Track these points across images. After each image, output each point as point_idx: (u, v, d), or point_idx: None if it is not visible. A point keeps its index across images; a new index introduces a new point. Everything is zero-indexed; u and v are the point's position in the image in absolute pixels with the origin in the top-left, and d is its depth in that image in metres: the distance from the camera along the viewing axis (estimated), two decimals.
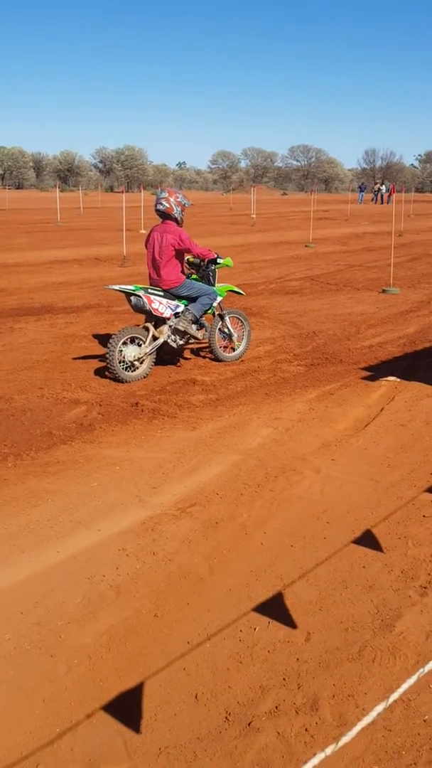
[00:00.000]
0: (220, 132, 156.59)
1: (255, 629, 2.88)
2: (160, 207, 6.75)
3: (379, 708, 2.35)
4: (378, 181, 67.49)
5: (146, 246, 6.86)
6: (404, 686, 2.50)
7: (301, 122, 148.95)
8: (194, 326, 6.88)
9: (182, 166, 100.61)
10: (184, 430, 5.21)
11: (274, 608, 2.99)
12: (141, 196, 26.90)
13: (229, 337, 7.29)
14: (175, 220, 6.78)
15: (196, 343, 7.26)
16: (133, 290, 6.56)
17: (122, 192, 18.42)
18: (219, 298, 7.12)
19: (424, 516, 3.89)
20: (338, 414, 5.60)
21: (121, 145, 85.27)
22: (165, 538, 3.62)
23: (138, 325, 6.77)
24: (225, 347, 7.30)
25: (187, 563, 3.39)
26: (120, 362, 6.34)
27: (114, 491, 4.16)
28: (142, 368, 6.51)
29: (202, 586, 3.21)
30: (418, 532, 3.71)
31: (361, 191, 57.92)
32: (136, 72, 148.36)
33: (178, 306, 6.78)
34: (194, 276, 7.14)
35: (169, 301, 6.73)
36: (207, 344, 7.29)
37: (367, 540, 3.59)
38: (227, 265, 7.29)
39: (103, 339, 8.18)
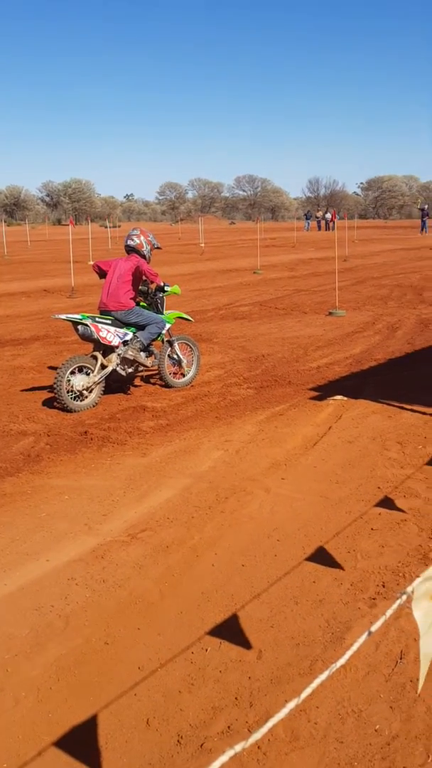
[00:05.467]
0: (166, 164, 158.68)
1: (206, 650, 2.86)
2: (131, 242, 6.95)
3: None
4: (321, 208, 69.13)
5: (107, 274, 6.95)
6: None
7: (246, 153, 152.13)
8: (143, 354, 6.91)
9: (130, 197, 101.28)
10: (135, 457, 5.18)
11: (226, 628, 2.98)
12: (89, 228, 26.95)
13: (179, 363, 7.33)
14: (143, 256, 6.96)
15: (146, 370, 7.26)
16: (80, 319, 6.54)
17: (71, 224, 18.42)
18: (168, 326, 7.17)
19: (372, 529, 3.94)
20: (288, 434, 5.66)
21: (68, 177, 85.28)
22: (115, 565, 3.58)
23: (86, 354, 6.73)
24: (175, 373, 7.33)
25: (138, 589, 3.35)
26: (68, 392, 6.29)
27: (63, 521, 4.10)
28: (91, 397, 6.48)
29: (153, 611, 3.18)
30: (366, 546, 3.75)
31: (308, 219, 59.16)
32: (81, 104, 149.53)
33: (126, 334, 6.79)
34: (143, 303, 7.16)
35: (117, 329, 6.74)
36: (156, 371, 7.31)
37: (318, 556, 3.61)
38: (175, 293, 7.38)
39: (51, 370, 8.11)
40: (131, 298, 6.86)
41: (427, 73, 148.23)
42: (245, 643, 2.88)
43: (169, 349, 7.23)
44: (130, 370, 6.88)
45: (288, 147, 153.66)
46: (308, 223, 57.83)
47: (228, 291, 15.90)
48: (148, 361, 6.96)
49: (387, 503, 4.22)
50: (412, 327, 10.65)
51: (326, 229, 53.78)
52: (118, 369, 6.73)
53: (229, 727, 2.43)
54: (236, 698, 2.58)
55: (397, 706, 2.52)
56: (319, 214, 60.76)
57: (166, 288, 7.13)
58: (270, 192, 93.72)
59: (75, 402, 6.34)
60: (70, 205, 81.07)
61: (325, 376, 7.65)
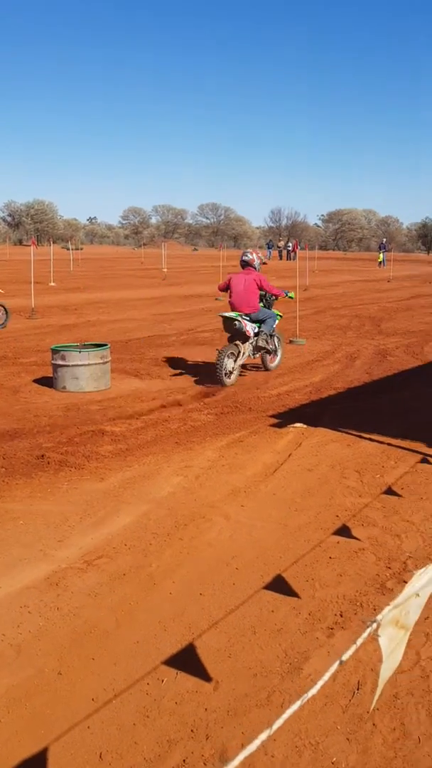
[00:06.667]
0: (130, 188, 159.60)
1: (163, 681, 2.80)
2: (246, 258, 9.22)
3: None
4: (282, 238, 70.29)
5: (228, 286, 9.07)
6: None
7: (209, 181, 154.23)
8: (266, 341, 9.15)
9: (93, 221, 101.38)
10: (92, 482, 5.11)
11: (183, 658, 2.93)
12: (50, 249, 26.81)
13: (275, 351, 9.59)
14: (255, 268, 9.12)
15: (248, 358, 9.12)
16: (237, 317, 8.75)
17: (32, 245, 18.30)
18: (278, 320, 9.43)
19: (330, 558, 3.94)
20: (247, 460, 5.66)
21: (31, 198, 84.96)
22: (70, 593, 3.50)
23: (233, 343, 8.77)
24: (271, 360, 9.64)
25: (93, 617, 3.28)
26: (224, 372, 8.42)
27: (16, 546, 3.99)
28: (234, 376, 8.71)
29: (109, 640, 3.11)
30: (325, 574, 3.75)
31: (269, 248, 59.99)
32: (46, 125, 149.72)
33: (255, 327, 8.99)
34: (261, 304, 9.17)
35: (252, 324, 8.92)
36: (252, 359, 9.39)
37: (276, 584, 3.60)
38: (291, 297, 9.84)
39: (7, 391, 7.99)
40: (258, 302, 9.02)
41: (390, 110, 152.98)
42: (202, 674, 2.84)
43: (269, 339, 9.26)
44: (257, 354, 9.23)
45: (251, 177, 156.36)
46: (270, 252, 58.60)
47: (190, 316, 15.96)
48: (271, 345, 9.29)
49: (345, 532, 4.24)
50: (370, 357, 10.83)
51: (287, 259, 54.55)
52: (250, 354, 9.00)
53: (184, 760, 2.38)
54: (192, 730, 2.53)
55: (353, 737, 2.50)
56: (281, 243, 61.74)
57: (288, 294, 9.58)
58: (233, 220, 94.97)
59: (227, 379, 8.48)
60: (32, 226, 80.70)
61: (286, 403, 7.70)
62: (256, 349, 9.13)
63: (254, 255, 9.29)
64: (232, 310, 8.98)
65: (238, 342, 8.78)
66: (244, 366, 9.25)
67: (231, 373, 8.59)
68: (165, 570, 3.77)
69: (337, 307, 18.67)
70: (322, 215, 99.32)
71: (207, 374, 9.27)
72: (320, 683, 1.46)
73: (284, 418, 6.95)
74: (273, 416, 7.07)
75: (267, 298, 9.27)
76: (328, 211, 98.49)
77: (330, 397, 8.09)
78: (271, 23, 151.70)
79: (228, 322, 8.88)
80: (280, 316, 9.63)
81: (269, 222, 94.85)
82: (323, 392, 8.31)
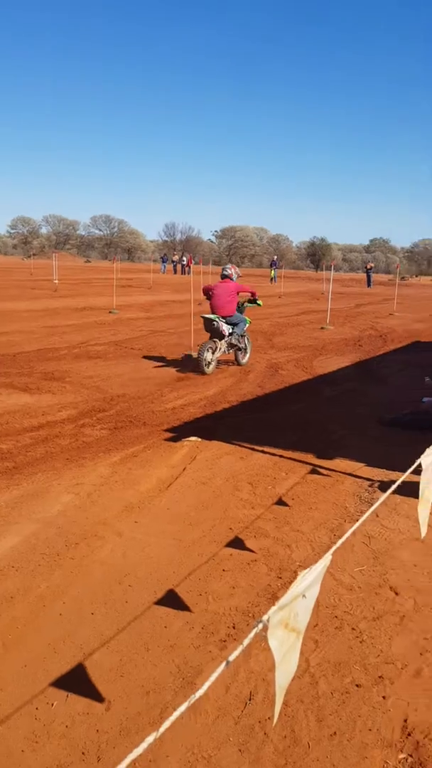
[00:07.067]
0: (18, 197, 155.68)
1: (52, 704, 2.72)
2: (225, 272, 11.14)
3: None
4: (177, 252, 70.88)
5: (209, 292, 10.86)
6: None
7: (102, 193, 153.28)
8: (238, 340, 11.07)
9: None
10: None
11: (73, 680, 2.87)
12: None
13: (245, 349, 11.39)
14: (232, 280, 10.98)
15: (223, 354, 11.01)
16: (215, 318, 10.54)
17: None
18: (248, 324, 11.22)
19: (223, 570, 3.98)
20: (141, 476, 5.62)
21: None
22: None
23: (212, 340, 10.59)
24: (241, 356, 11.40)
25: None
26: (204, 363, 10.30)
27: None
28: (212, 366, 10.59)
29: None
30: (218, 587, 3.78)
31: (164, 262, 60.29)
32: None
33: (230, 329, 10.79)
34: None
35: (227, 325, 10.71)
36: (228, 355, 11.42)
37: (169, 599, 3.59)
38: (259, 305, 11.54)
39: None
40: (234, 308, 10.80)
41: (279, 130, 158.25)
42: (94, 695, 2.79)
43: (240, 339, 11.11)
44: (230, 351, 11.10)
45: (145, 190, 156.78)
46: (164, 266, 58.84)
47: (82, 329, 15.71)
48: (242, 344, 11.18)
49: (238, 544, 4.30)
50: (262, 371, 11.07)
51: (182, 273, 54.98)
52: (225, 349, 10.84)
53: None
54: (83, 753, 2.48)
55: (246, 748, 2.53)
56: (176, 257, 62.17)
57: (258, 302, 11.38)
58: (126, 233, 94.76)
59: (206, 368, 10.36)
60: None
61: (180, 417, 7.73)
62: (230, 346, 11.04)
63: (232, 270, 11.27)
64: (212, 312, 10.78)
65: (215, 339, 10.69)
66: (219, 361, 11.06)
67: (210, 363, 10.52)
68: (55, 591, 3.68)
69: None
70: (216, 231, 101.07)
71: (99, 388, 9.15)
72: (206, 685, 1.46)
73: (179, 432, 6.97)
74: (168, 430, 7.08)
75: (240, 306, 11.07)
76: (222, 227, 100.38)
77: (224, 410, 8.20)
78: (165, 29, 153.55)
79: (208, 322, 10.69)
80: (250, 321, 11.39)
81: (163, 236, 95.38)
82: (217, 405, 8.41)
